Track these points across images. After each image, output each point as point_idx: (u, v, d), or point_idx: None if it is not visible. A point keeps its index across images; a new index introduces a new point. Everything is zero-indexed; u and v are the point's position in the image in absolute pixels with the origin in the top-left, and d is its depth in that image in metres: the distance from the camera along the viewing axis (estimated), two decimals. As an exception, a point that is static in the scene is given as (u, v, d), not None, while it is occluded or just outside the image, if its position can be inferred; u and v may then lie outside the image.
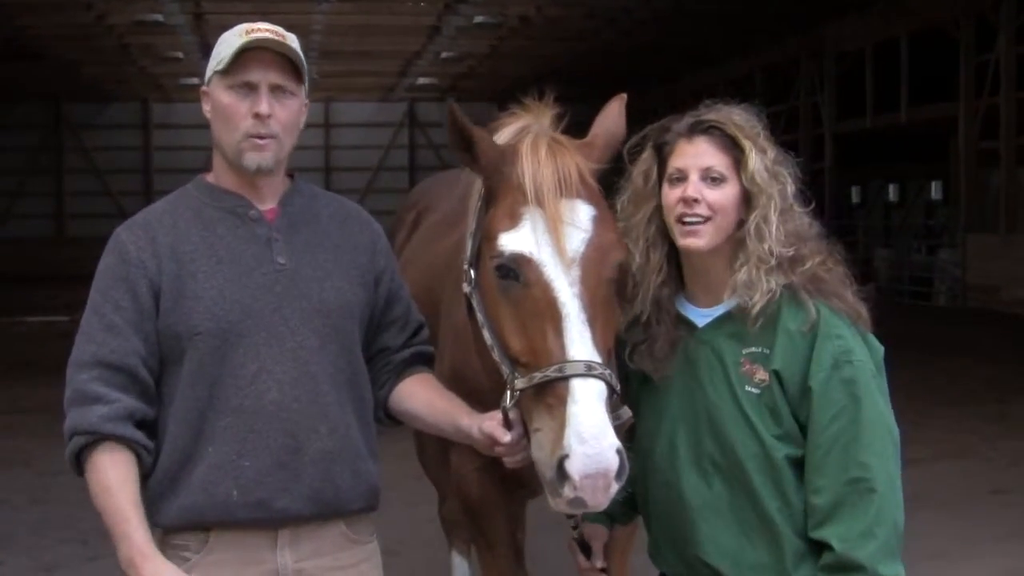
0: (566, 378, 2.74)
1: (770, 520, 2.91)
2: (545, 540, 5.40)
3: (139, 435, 2.90)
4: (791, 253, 2.95)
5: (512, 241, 2.90)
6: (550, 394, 2.76)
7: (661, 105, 35.86)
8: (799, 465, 2.91)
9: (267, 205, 3.07)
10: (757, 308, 2.91)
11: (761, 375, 2.91)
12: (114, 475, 2.86)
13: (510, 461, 2.98)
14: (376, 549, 3.19)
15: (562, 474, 2.67)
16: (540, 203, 2.92)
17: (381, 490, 3.15)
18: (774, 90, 31.64)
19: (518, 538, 4.26)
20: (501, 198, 3.01)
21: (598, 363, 2.77)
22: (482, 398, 3.21)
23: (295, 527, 2.98)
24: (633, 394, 3.13)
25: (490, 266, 2.94)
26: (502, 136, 3.24)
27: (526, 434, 2.90)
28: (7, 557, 7.68)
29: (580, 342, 2.78)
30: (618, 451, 2.68)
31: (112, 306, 2.93)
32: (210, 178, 3.12)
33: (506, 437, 2.91)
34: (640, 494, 3.13)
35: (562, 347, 2.78)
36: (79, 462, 2.90)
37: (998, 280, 23.44)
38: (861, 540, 2.82)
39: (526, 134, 3.11)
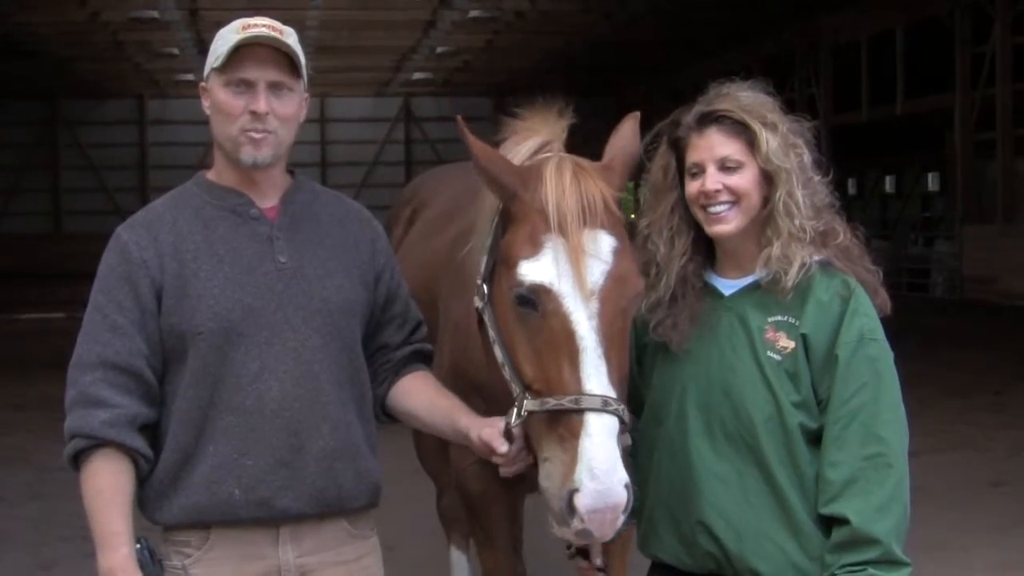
0: (580, 411, 2.73)
1: (779, 489, 2.91)
2: (543, 534, 5.40)
3: (140, 443, 2.89)
4: (823, 227, 2.99)
5: (533, 271, 2.86)
6: (563, 425, 2.76)
7: (658, 97, 35.75)
8: (812, 438, 2.91)
9: (268, 203, 3.06)
10: (792, 281, 2.93)
11: (784, 342, 2.93)
12: (110, 483, 2.86)
13: (504, 471, 2.99)
14: (377, 543, 3.19)
15: (571, 507, 2.69)
16: (563, 232, 2.87)
17: (382, 486, 3.15)
18: (770, 82, 31.58)
19: (516, 532, 4.27)
20: (522, 222, 2.95)
21: (613, 398, 2.77)
22: (482, 392, 3.21)
23: (297, 524, 2.98)
24: (648, 366, 3.15)
25: (510, 294, 2.90)
26: (519, 153, 3.20)
27: (525, 447, 2.91)
28: (5, 554, 7.67)
29: (596, 376, 2.77)
30: (626, 486, 2.70)
31: (115, 306, 2.91)
32: (210, 175, 3.11)
33: (503, 447, 2.92)
34: (644, 469, 3.12)
35: (578, 380, 2.77)
36: (76, 462, 2.90)
37: (995, 271, 23.46)
38: (878, 515, 2.81)
39: (548, 158, 3.06)
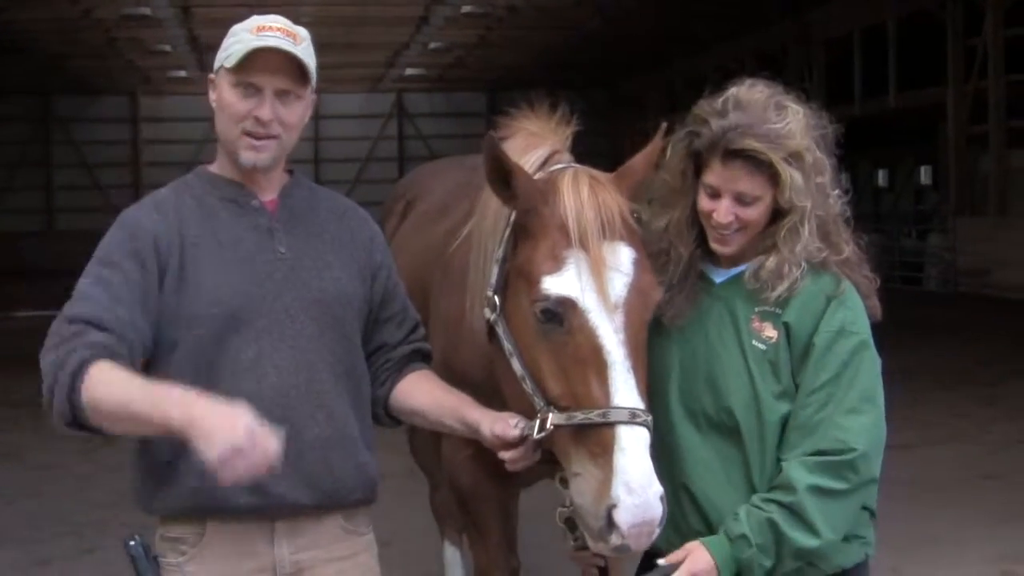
0: (611, 424, 2.73)
1: (754, 478, 2.93)
2: (537, 528, 5.41)
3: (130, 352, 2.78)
4: (824, 254, 2.98)
5: (556, 285, 2.85)
6: (593, 440, 2.75)
7: (652, 92, 35.57)
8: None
9: (267, 196, 3.08)
10: (778, 295, 2.94)
11: (770, 332, 2.94)
12: (123, 372, 2.70)
13: (511, 466, 2.98)
14: (372, 540, 3.19)
15: (610, 523, 2.68)
16: (584, 246, 2.87)
17: (379, 482, 3.15)
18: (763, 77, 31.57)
19: (510, 526, 4.27)
20: (541, 237, 2.94)
21: (642, 410, 2.77)
22: (473, 387, 3.20)
23: (293, 519, 2.97)
24: None
25: (532, 309, 2.89)
26: (528, 163, 3.18)
27: (536, 447, 2.90)
28: (1, 551, 7.66)
29: (625, 389, 2.77)
30: (661, 498, 2.70)
31: (121, 277, 2.84)
32: (212, 168, 3.12)
33: (515, 443, 2.92)
34: None
35: (607, 395, 2.77)
36: (72, 396, 2.69)
37: (989, 264, 23.49)
38: (805, 467, 2.82)
39: (563, 171, 3.06)
